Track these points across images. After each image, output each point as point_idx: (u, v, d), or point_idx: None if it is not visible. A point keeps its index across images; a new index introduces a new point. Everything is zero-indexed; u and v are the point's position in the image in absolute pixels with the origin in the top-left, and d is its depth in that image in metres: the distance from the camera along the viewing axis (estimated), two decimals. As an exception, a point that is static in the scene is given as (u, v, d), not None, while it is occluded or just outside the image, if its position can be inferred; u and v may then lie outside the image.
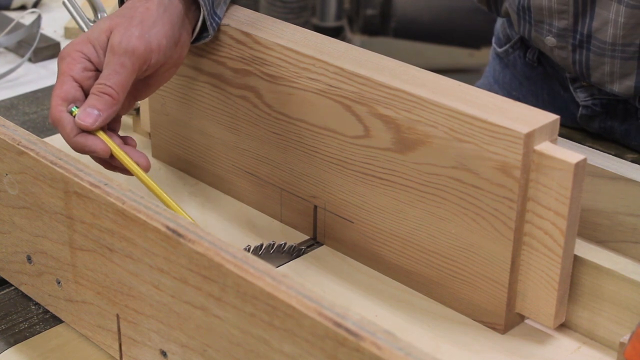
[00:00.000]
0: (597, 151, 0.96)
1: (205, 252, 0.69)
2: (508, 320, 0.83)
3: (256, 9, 3.43)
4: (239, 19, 0.96)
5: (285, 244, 0.91)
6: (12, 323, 0.87)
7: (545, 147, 0.77)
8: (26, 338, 0.85)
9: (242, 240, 0.95)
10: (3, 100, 1.25)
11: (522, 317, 0.84)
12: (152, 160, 1.09)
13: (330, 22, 3.18)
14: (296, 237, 0.95)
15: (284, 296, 0.65)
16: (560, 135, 1.20)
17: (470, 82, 0.88)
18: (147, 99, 1.08)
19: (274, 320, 0.66)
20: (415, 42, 3.06)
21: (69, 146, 0.87)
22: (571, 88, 1.20)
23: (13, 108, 1.24)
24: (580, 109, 1.19)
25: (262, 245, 0.90)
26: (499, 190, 0.79)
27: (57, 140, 1.10)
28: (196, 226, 0.72)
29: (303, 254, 0.93)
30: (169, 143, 1.07)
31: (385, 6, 3.24)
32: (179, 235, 0.71)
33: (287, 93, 0.92)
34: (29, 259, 0.87)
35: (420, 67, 1.44)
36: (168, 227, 0.72)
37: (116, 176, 1.03)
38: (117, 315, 0.80)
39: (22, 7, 1.54)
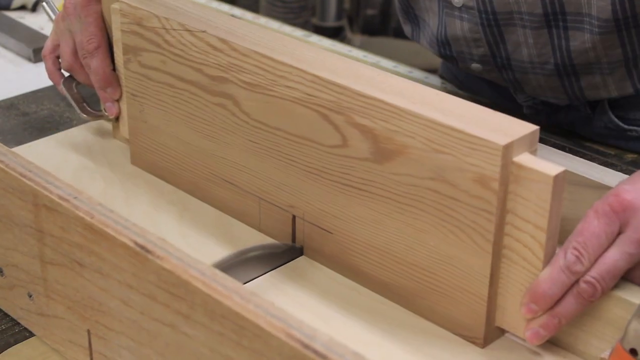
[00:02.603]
0: (581, 159, 0.94)
1: (173, 268, 0.68)
2: (488, 334, 0.81)
3: (256, 9, 3.41)
4: (216, 25, 0.94)
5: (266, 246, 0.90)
6: (-17, 337, 0.85)
7: (524, 158, 0.75)
8: (-3, 352, 0.83)
9: (220, 250, 0.93)
10: (3, 100, 1.24)
11: (502, 331, 0.82)
12: (131, 168, 1.07)
13: (330, 22, 3.17)
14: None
15: (251, 316, 0.63)
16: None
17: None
18: (125, 106, 1.07)
19: (242, 339, 0.64)
20: (415, 43, 3.03)
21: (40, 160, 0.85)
22: (511, 92, 1.21)
23: (13, 108, 1.22)
24: (524, 108, 1.21)
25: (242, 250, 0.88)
26: (477, 203, 0.77)
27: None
28: (165, 242, 0.71)
29: (282, 262, 0.92)
30: (147, 150, 1.05)
31: (385, 6, 3.24)
32: (147, 251, 0.70)
33: (264, 101, 0.90)
34: (0, 271, 0.85)
35: (420, 67, 1.47)
36: (136, 243, 0.70)
37: (86, 189, 1.02)
38: (88, 331, 0.78)
39: (22, 7, 1.53)
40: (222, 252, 0.92)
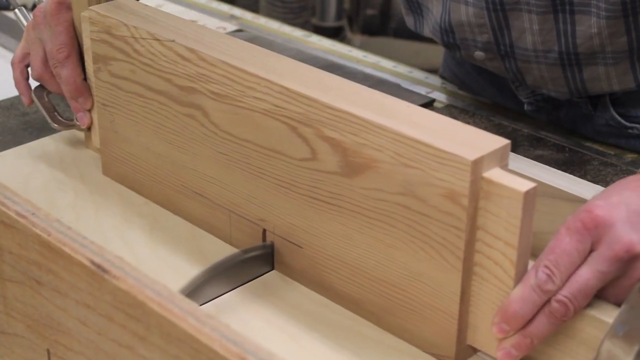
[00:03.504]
0: (558, 171, 0.92)
1: (129, 289, 0.66)
2: (459, 353, 0.79)
3: (256, 9, 3.42)
4: (185, 34, 0.92)
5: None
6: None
7: (494, 173, 0.73)
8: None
9: (189, 264, 0.91)
10: (3, 100, 1.23)
11: (474, 350, 0.80)
12: (102, 178, 1.05)
13: (330, 22, 3.17)
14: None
15: (206, 339, 0.61)
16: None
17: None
18: (96, 115, 1.04)
19: (198, 364, 0.62)
20: (415, 42, 3.04)
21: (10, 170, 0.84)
22: (512, 87, 1.21)
23: (13, 108, 1.21)
24: (525, 105, 1.21)
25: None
26: (447, 219, 0.75)
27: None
28: (123, 261, 0.68)
29: (253, 277, 0.90)
30: (118, 161, 1.03)
31: (385, 6, 3.23)
32: (104, 270, 0.68)
33: (233, 112, 0.88)
34: (-39, 288, 0.83)
35: (420, 67, 1.45)
36: (92, 262, 0.68)
37: (56, 200, 1.00)
38: (48, 350, 0.76)
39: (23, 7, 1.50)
40: (191, 266, 0.90)
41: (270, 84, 0.84)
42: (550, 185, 0.89)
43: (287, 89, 0.83)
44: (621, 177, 0.82)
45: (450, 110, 1.26)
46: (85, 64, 1.04)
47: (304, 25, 3.04)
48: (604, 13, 1.02)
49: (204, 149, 0.92)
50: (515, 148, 1.17)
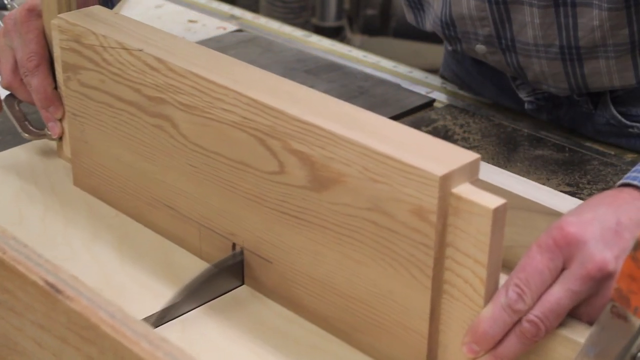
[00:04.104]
0: (536, 184, 0.90)
1: (82, 311, 0.64)
2: (430, 372, 0.77)
3: (256, 9, 3.42)
4: (155, 43, 0.90)
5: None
6: None
7: (463, 189, 0.71)
8: None
9: (159, 279, 0.89)
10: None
11: (444, 369, 0.78)
12: (73, 189, 1.03)
13: (330, 22, 3.16)
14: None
15: (159, 364, 0.59)
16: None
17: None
18: (67, 125, 1.02)
19: (151, 389, 0.60)
20: (415, 42, 3.03)
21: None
22: (513, 86, 1.21)
23: None
24: (526, 104, 1.20)
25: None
26: (415, 235, 0.73)
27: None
28: (78, 281, 0.66)
29: (222, 292, 0.88)
30: (89, 172, 1.01)
31: (385, 6, 3.22)
32: (58, 290, 0.66)
33: (202, 124, 0.86)
34: None
35: (420, 67, 1.44)
36: (47, 282, 0.66)
37: (25, 212, 0.98)
38: (5, 370, 0.74)
39: None
40: (159, 282, 0.88)
41: (238, 95, 0.82)
42: (527, 198, 0.87)
43: (254, 100, 0.81)
44: (621, 177, 0.80)
45: (450, 110, 1.26)
46: (56, 72, 1.02)
47: (304, 25, 3.03)
48: (605, 5, 1.02)
49: (174, 160, 0.90)
50: (515, 148, 1.17)
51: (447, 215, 0.72)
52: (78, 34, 0.95)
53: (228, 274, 0.88)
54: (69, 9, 0.99)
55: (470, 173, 0.72)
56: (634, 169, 0.79)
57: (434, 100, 1.29)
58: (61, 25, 0.97)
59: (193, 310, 0.85)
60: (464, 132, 1.20)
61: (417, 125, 1.22)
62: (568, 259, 0.71)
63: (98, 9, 0.98)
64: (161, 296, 0.86)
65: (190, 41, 0.91)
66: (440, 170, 0.70)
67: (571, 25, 1.05)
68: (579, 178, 1.10)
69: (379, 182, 0.74)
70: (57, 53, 1.00)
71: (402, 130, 0.76)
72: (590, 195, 1.06)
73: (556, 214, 0.85)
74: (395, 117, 1.24)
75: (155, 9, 1.61)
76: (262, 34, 1.50)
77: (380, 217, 0.75)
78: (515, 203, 0.87)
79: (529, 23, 1.07)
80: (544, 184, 1.08)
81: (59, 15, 0.97)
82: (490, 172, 0.90)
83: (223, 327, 0.84)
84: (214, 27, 1.52)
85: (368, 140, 0.74)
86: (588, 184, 1.09)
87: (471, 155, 0.73)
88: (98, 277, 0.89)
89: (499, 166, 1.11)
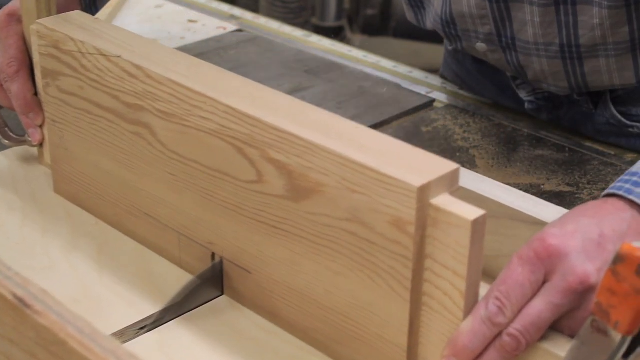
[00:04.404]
0: (521, 192, 0.89)
1: (50, 326, 0.63)
2: (409, 386, 0.76)
3: (256, 9, 3.43)
4: (133, 49, 0.89)
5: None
6: None
7: (442, 200, 0.70)
8: None
9: (137, 289, 0.87)
10: None
11: (424, 382, 0.77)
12: (54, 197, 1.02)
13: (330, 22, 3.16)
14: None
15: (125, 382, 0.58)
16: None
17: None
18: (47, 131, 1.01)
19: (118, 407, 0.59)
20: (415, 42, 3.03)
21: None
22: (513, 86, 1.21)
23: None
24: (526, 103, 1.21)
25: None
26: (394, 247, 0.71)
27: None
28: (47, 295, 0.65)
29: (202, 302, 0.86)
30: (69, 179, 0.99)
31: (385, 6, 3.22)
32: (26, 305, 0.64)
33: (180, 132, 0.85)
34: None
35: (420, 67, 1.44)
36: (15, 295, 0.65)
37: (4, 220, 0.96)
38: (-24, 384, 0.73)
39: None
40: (138, 293, 0.87)
41: (216, 103, 0.80)
42: (511, 207, 0.85)
43: (232, 108, 0.79)
44: (560, 212, 0.79)
45: (450, 110, 1.25)
46: (36, 78, 1.00)
47: (304, 25, 3.02)
48: (606, 3, 1.02)
49: (153, 168, 0.89)
50: (515, 148, 1.17)
51: (426, 226, 0.70)
52: (57, 39, 0.93)
53: (208, 284, 0.87)
54: (49, 14, 0.98)
55: (449, 183, 0.71)
56: (619, 178, 0.78)
57: (434, 100, 1.29)
58: (40, 30, 0.95)
59: (170, 322, 0.84)
60: (464, 132, 1.20)
61: (417, 125, 1.22)
62: (549, 271, 0.70)
63: (77, 14, 0.96)
64: (139, 307, 0.85)
65: (170, 47, 0.90)
66: (418, 181, 0.69)
67: (571, 24, 1.05)
68: (579, 178, 1.10)
69: (357, 193, 0.72)
70: (36, 59, 0.98)
71: (381, 140, 0.75)
72: (590, 195, 1.06)
73: (540, 223, 0.83)
74: (395, 117, 1.24)
75: (155, 9, 1.61)
76: (262, 34, 1.50)
77: (358, 228, 0.73)
78: (499, 212, 0.86)
79: (529, 21, 1.07)
80: (544, 184, 1.08)
81: (37, 20, 0.96)
82: (474, 180, 0.89)
83: (201, 338, 0.82)
84: (214, 27, 1.52)
85: (346, 149, 0.73)
86: (588, 184, 1.09)
87: (450, 166, 0.71)
88: (76, 287, 0.88)
89: (499, 166, 1.11)
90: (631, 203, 0.74)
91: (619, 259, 0.62)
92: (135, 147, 0.90)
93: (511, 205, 0.85)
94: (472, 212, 0.68)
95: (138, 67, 0.86)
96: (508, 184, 1.08)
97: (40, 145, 1.04)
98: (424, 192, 0.69)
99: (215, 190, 0.84)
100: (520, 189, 0.92)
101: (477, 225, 0.68)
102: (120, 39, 0.91)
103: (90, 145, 0.95)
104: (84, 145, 0.95)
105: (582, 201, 0.77)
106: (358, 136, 0.75)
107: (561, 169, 1.12)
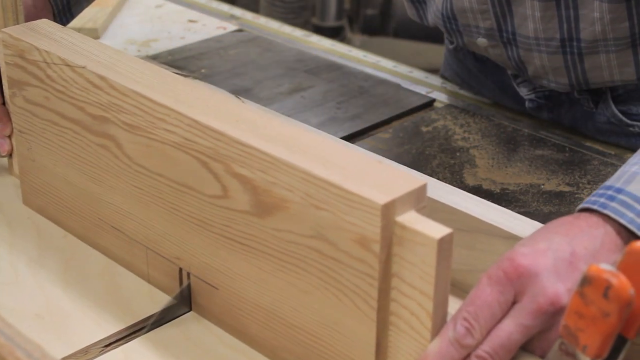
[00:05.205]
0: (496, 206, 0.87)
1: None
2: (377, 407, 0.74)
3: (256, 9, 3.43)
4: (99, 59, 0.87)
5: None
6: None
7: (408, 218, 0.68)
8: None
9: (104, 304, 0.85)
10: None
11: (393, 404, 0.75)
12: (23, 208, 1.00)
13: (330, 22, 3.16)
14: (163, 301, 0.86)
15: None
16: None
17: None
18: (15, 142, 0.99)
19: None
20: (415, 42, 3.02)
21: None
22: (514, 84, 1.21)
23: None
24: (527, 102, 1.20)
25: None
26: (359, 265, 0.69)
27: None
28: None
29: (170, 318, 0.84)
30: (37, 191, 0.97)
31: (385, 6, 3.22)
32: (-25, 328, 0.62)
33: (145, 144, 0.82)
34: None
35: (420, 67, 1.43)
36: (-36, 318, 0.63)
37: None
38: None
39: None
40: (105, 309, 0.85)
41: (180, 115, 0.78)
42: (485, 221, 0.84)
43: (196, 121, 0.77)
44: (534, 227, 0.77)
45: (450, 110, 1.25)
46: (4, 88, 0.98)
47: (304, 25, 3.01)
48: None
49: (119, 181, 0.87)
50: (515, 148, 1.17)
51: (392, 244, 0.68)
52: (22, 49, 0.91)
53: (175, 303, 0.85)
54: (16, 23, 0.96)
55: (416, 200, 0.69)
56: (594, 192, 0.76)
57: (434, 100, 1.29)
58: (5, 39, 0.93)
59: (136, 339, 0.82)
60: (464, 132, 1.20)
61: (417, 125, 1.22)
62: (519, 292, 0.68)
63: (44, 23, 0.94)
64: (105, 323, 0.83)
65: (136, 57, 0.88)
66: (382, 198, 0.67)
67: (572, 17, 1.05)
68: (579, 178, 1.10)
69: (322, 209, 0.70)
70: (3, 68, 0.96)
71: (348, 155, 0.72)
72: (590, 195, 1.04)
73: (515, 238, 0.81)
74: (395, 117, 1.24)
75: (155, 8, 1.60)
76: (262, 34, 1.49)
77: (323, 245, 0.71)
78: (473, 226, 0.84)
79: (530, 16, 1.07)
80: (544, 184, 1.07)
81: (3, 29, 0.94)
82: (448, 194, 0.87)
83: (167, 355, 0.80)
84: (214, 27, 1.52)
85: (310, 165, 0.71)
86: (588, 183, 1.09)
87: (417, 182, 0.69)
88: (41, 302, 0.86)
89: (499, 166, 1.11)
90: (606, 218, 0.72)
91: (587, 281, 0.60)
92: (101, 160, 0.88)
93: (486, 220, 0.83)
94: (438, 231, 0.66)
95: (102, 77, 0.84)
96: (508, 183, 1.07)
97: (10, 155, 1.02)
98: (388, 209, 0.67)
99: (181, 205, 0.82)
100: (520, 189, 0.90)
101: (444, 244, 0.66)
102: (87, 49, 0.89)
103: (57, 157, 0.93)
104: (51, 156, 0.93)
105: (582, 201, 0.75)
106: (324, 151, 0.73)
107: (561, 169, 1.11)
